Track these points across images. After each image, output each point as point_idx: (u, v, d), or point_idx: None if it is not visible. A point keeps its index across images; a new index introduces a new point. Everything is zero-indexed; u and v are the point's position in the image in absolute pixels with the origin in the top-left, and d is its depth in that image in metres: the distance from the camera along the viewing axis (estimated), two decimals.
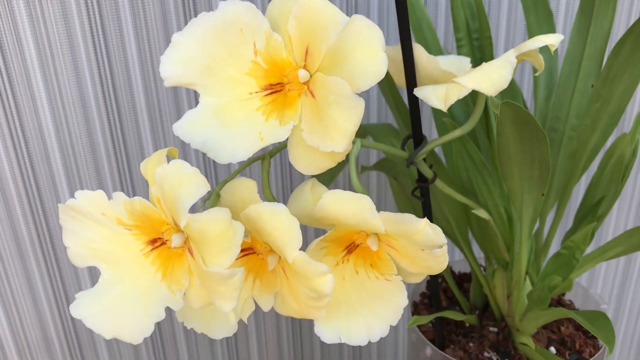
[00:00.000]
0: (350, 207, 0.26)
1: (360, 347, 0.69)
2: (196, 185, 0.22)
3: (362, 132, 0.50)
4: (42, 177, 0.48)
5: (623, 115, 0.58)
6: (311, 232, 0.56)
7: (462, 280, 0.51)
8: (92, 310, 0.24)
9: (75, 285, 0.54)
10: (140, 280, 0.25)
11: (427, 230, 0.26)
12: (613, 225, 0.65)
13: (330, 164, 0.26)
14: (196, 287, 0.24)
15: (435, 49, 0.45)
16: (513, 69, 0.30)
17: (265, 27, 0.26)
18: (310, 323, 0.64)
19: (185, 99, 0.49)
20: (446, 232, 0.46)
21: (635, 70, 0.38)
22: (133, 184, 0.50)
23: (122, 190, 0.51)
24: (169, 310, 0.27)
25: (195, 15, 0.37)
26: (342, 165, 0.32)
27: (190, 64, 0.25)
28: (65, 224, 0.25)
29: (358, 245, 0.30)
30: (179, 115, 0.49)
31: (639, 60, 0.38)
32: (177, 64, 0.25)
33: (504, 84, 0.30)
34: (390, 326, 0.29)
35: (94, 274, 0.54)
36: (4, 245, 0.50)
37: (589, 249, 0.46)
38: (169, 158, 0.25)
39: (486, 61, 0.42)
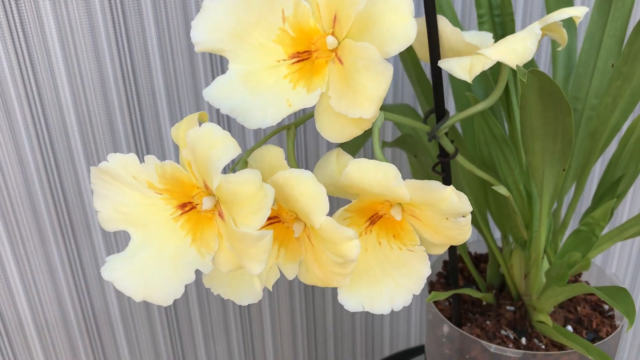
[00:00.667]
0: (376, 175, 0.27)
1: (372, 331, 0.69)
2: (228, 147, 0.23)
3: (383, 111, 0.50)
4: (60, 154, 0.49)
5: None
6: (333, 205, 0.57)
7: (479, 260, 0.51)
8: (123, 272, 0.25)
9: (93, 264, 0.54)
10: (169, 243, 0.25)
11: (453, 198, 0.26)
12: (629, 206, 0.65)
13: (358, 131, 0.26)
14: (225, 250, 0.25)
15: (455, 25, 0.45)
16: (538, 41, 0.30)
17: None
18: (324, 307, 0.65)
19: (202, 77, 0.49)
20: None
21: None
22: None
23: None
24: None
25: None
26: (366, 136, 0.32)
27: (220, 29, 0.25)
28: (97, 188, 0.25)
29: (381, 217, 0.31)
30: (195, 90, 0.49)
31: None
32: (207, 29, 0.25)
33: (528, 56, 0.30)
34: (406, 304, 0.29)
35: (111, 251, 0.55)
36: (24, 224, 0.50)
37: (605, 229, 0.46)
38: (200, 123, 0.25)
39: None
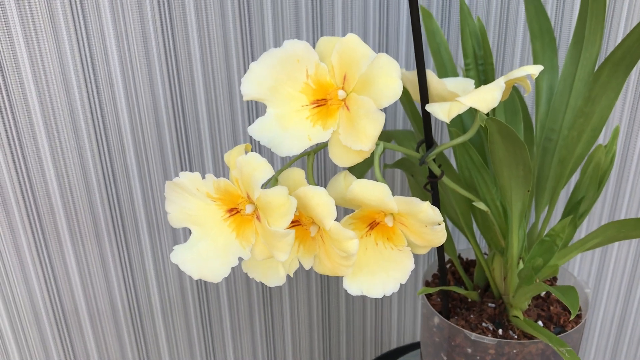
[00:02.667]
0: (373, 191, 0.36)
1: (382, 326, 0.78)
2: (265, 170, 0.32)
3: (389, 136, 0.59)
4: (118, 168, 0.58)
5: (605, 128, 0.68)
6: (340, 213, 0.66)
7: (469, 265, 0.60)
8: (186, 257, 0.34)
9: (140, 261, 0.64)
10: (220, 237, 0.35)
11: (428, 211, 0.35)
12: (597, 222, 0.74)
13: (359, 159, 0.36)
14: (260, 243, 0.34)
15: (450, 68, 0.54)
16: (502, 92, 0.39)
17: (315, 59, 0.35)
18: (338, 303, 0.74)
19: (239, 113, 0.59)
20: (455, 223, 0.56)
21: (612, 94, 0.47)
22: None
23: None
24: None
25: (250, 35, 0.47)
26: (370, 163, 0.41)
27: (261, 84, 0.35)
28: (169, 196, 0.35)
29: (378, 223, 0.40)
30: (233, 122, 0.59)
31: (615, 85, 0.46)
32: (253, 85, 0.34)
33: (495, 103, 0.39)
34: (395, 290, 0.38)
35: (156, 252, 0.64)
36: (84, 226, 0.60)
37: (572, 241, 0.55)
38: (246, 152, 0.35)
39: (488, 82, 0.51)
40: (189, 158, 0.60)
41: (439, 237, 0.38)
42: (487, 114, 0.51)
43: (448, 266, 0.60)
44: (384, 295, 0.38)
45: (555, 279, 0.58)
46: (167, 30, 0.54)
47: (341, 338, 0.77)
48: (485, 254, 0.58)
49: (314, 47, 0.36)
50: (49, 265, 0.61)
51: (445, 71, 0.53)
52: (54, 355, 0.66)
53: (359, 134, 0.34)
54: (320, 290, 0.72)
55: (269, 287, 0.70)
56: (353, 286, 0.39)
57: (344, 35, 0.58)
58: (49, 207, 0.58)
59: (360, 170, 0.54)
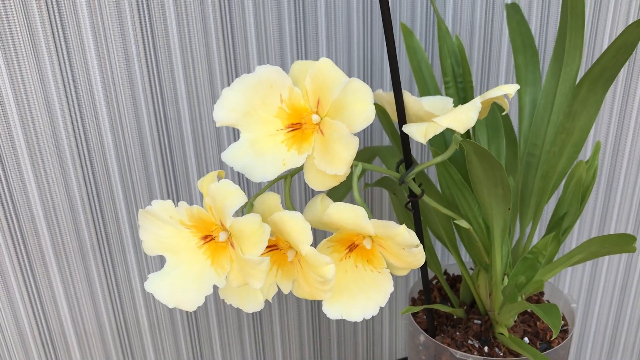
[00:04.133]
0: (349, 215, 0.36)
1: (377, 338, 0.77)
2: (237, 197, 0.32)
3: (374, 152, 0.59)
4: (102, 190, 0.58)
5: (586, 144, 0.68)
6: (320, 235, 0.66)
7: (455, 281, 0.60)
8: (160, 285, 0.34)
9: (126, 281, 0.64)
10: (195, 265, 0.34)
11: (405, 234, 0.35)
12: (578, 238, 0.74)
13: (334, 183, 0.35)
14: (235, 271, 0.34)
15: (432, 86, 0.54)
16: (478, 112, 0.39)
17: (288, 83, 0.35)
18: (329, 325, 0.73)
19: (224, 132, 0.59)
20: (439, 239, 0.55)
21: (592, 109, 0.47)
22: (178, 196, 0.60)
23: (168, 196, 0.61)
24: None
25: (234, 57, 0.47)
26: (351, 184, 0.41)
27: (235, 110, 0.34)
28: (143, 224, 0.34)
29: (357, 245, 0.40)
30: (218, 141, 0.59)
31: (594, 101, 0.46)
32: (225, 111, 0.34)
33: (471, 123, 0.39)
34: (374, 314, 0.38)
35: (142, 271, 0.64)
36: (69, 246, 0.60)
37: (557, 257, 0.54)
38: (219, 178, 0.34)
39: (467, 100, 0.51)
40: (174, 177, 0.60)
41: (418, 259, 0.37)
42: (465, 134, 0.51)
43: (435, 282, 0.59)
44: (364, 319, 0.38)
45: (542, 293, 0.58)
46: (150, 49, 0.54)
47: (332, 352, 0.76)
48: (472, 269, 0.58)
49: (287, 72, 0.36)
50: (34, 287, 0.61)
51: (427, 89, 0.53)
52: None
53: (333, 158, 0.34)
54: (310, 304, 0.72)
55: (269, 301, 0.69)
56: (333, 310, 0.38)
57: (327, 52, 0.58)
58: (32, 229, 0.58)
59: (342, 191, 0.54)
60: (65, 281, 0.61)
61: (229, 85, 0.53)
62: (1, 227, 0.57)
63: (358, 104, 0.33)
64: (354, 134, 0.34)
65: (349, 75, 0.60)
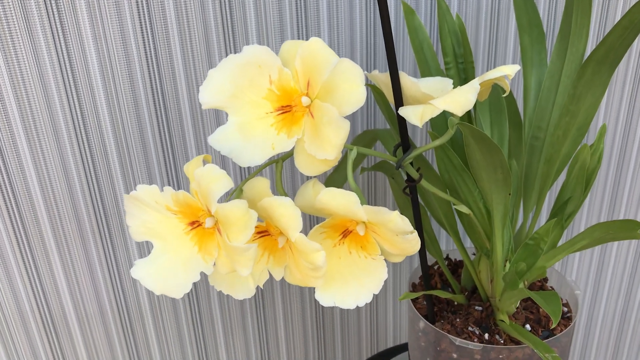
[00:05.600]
0: (341, 200, 0.35)
1: (380, 322, 0.77)
2: (223, 182, 0.31)
3: (374, 136, 0.58)
4: (102, 174, 0.57)
5: (591, 126, 0.66)
6: (312, 223, 0.65)
7: (457, 266, 0.59)
8: (147, 272, 0.33)
9: (127, 265, 0.63)
10: (182, 251, 0.34)
11: (397, 220, 0.34)
12: (587, 224, 0.72)
13: (325, 168, 0.34)
14: (223, 257, 0.33)
15: (434, 66, 0.52)
16: (476, 94, 0.37)
17: (278, 64, 0.34)
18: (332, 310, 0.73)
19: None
20: (441, 224, 0.54)
21: (597, 91, 0.45)
22: (178, 181, 0.60)
23: (169, 183, 0.60)
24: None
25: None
26: (356, 165, 0.40)
27: (221, 92, 0.33)
28: (129, 209, 0.34)
29: (351, 232, 0.39)
30: (218, 124, 0.58)
31: (599, 83, 0.44)
32: (211, 93, 0.33)
33: (469, 105, 0.37)
34: (367, 301, 0.37)
35: (143, 254, 0.64)
36: (69, 232, 0.60)
37: (561, 242, 0.53)
38: (204, 162, 0.33)
39: (469, 81, 0.49)
40: (173, 159, 0.59)
41: (412, 245, 0.36)
42: (466, 116, 0.49)
43: (436, 267, 0.58)
44: (357, 306, 0.37)
45: (546, 280, 0.57)
46: (148, 34, 0.53)
47: (336, 336, 0.75)
48: (474, 254, 0.57)
49: (277, 53, 0.35)
50: (35, 271, 0.61)
51: (428, 69, 0.52)
52: (42, 358, 0.65)
53: (323, 143, 0.33)
54: (314, 289, 0.71)
55: (261, 288, 0.69)
56: (325, 297, 0.38)
57: (329, 33, 0.57)
58: (32, 213, 0.58)
59: (343, 176, 0.53)
60: (66, 264, 0.61)
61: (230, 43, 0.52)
62: (1, 213, 0.57)
63: (348, 85, 0.32)
64: (346, 117, 0.32)
65: (352, 57, 0.59)
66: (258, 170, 0.37)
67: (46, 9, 0.50)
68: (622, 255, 0.77)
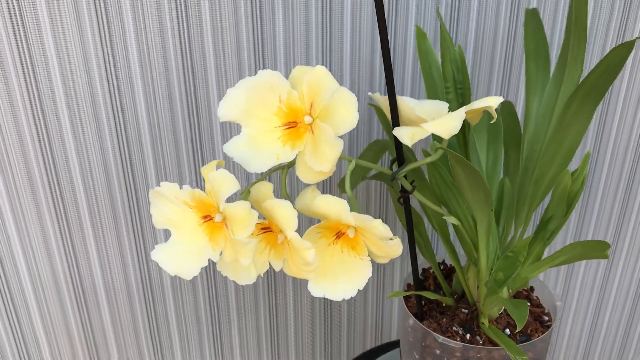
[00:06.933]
0: (333, 207, 0.40)
1: (382, 320, 0.82)
2: (231, 185, 0.37)
3: (384, 146, 0.63)
4: (136, 166, 0.64)
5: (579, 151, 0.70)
6: (307, 223, 0.70)
7: (452, 271, 0.64)
8: (164, 255, 0.39)
9: (152, 242, 0.70)
10: (195, 240, 0.40)
11: (380, 227, 0.39)
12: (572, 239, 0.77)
13: (321, 177, 0.40)
14: (228, 248, 0.39)
15: (440, 88, 0.57)
16: (462, 121, 0.42)
17: (287, 86, 0.40)
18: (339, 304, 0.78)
19: None
20: (436, 232, 0.59)
21: (583, 122, 0.49)
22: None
23: (196, 176, 0.66)
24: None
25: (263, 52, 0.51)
26: (360, 175, 0.45)
27: (236, 108, 0.39)
28: (152, 201, 0.40)
29: (344, 233, 0.44)
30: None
31: (584, 116, 0.48)
32: (229, 108, 0.39)
33: (455, 131, 0.42)
34: (353, 295, 0.42)
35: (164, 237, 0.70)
36: (104, 212, 0.66)
37: (544, 255, 0.58)
38: (218, 166, 0.39)
39: (465, 104, 0.54)
40: (201, 151, 0.65)
41: (394, 250, 0.42)
42: (461, 136, 0.54)
43: (432, 271, 0.63)
44: (343, 299, 0.42)
45: (532, 289, 0.61)
46: (186, 49, 0.59)
47: (342, 329, 0.81)
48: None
49: (287, 77, 0.40)
50: (71, 246, 0.68)
51: (434, 90, 0.56)
52: (72, 325, 0.72)
53: (319, 157, 0.38)
54: None
55: (274, 278, 0.74)
56: (317, 289, 0.43)
57: (351, 52, 0.62)
58: (73, 198, 0.65)
59: (353, 183, 0.58)
60: (99, 241, 0.68)
61: (260, 66, 0.58)
62: (45, 191, 0.64)
63: (343, 110, 0.37)
64: (364, 127, 0.38)
65: (371, 76, 0.64)
66: (264, 175, 0.43)
67: (95, 8, 0.56)
68: (629, 269, 0.81)
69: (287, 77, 0.41)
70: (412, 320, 0.57)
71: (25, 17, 0.55)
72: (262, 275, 0.42)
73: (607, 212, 0.78)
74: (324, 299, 0.78)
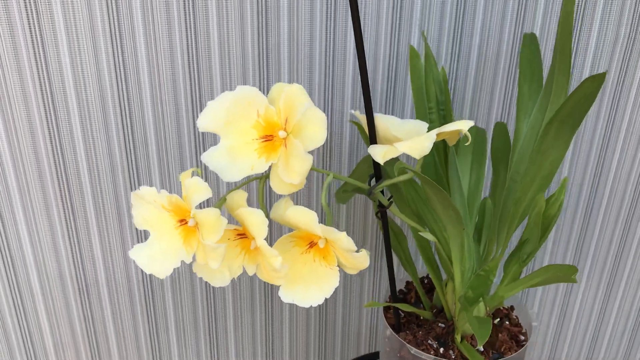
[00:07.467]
0: (302, 217, 0.42)
1: (376, 326, 0.84)
2: (203, 193, 0.39)
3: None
4: (141, 166, 0.67)
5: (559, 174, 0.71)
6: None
7: (433, 286, 0.65)
8: (142, 255, 0.42)
9: None
10: (171, 242, 0.42)
11: (344, 239, 0.42)
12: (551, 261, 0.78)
13: (292, 189, 0.42)
14: (200, 251, 0.41)
15: (428, 107, 0.59)
16: (432, 142, 0.44)
17: (265, 102, 0.42)
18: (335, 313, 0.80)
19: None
20: (417, 246, 0.61)
21: (560, 148, 0.50)
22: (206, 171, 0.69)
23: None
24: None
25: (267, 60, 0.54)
26: (353, 192, 0.47)
27: (216, 120, 0.42)
28: (134, 203, 0.42)
29: (316, 244, 0.46)
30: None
31: (562, 143, 0.50)
32: (208, 120, 0.41)
33: (425, 151, 0.44)
34: (320, 303, 0.45)
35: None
36: (109, 209, 0.70)
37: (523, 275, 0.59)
38: (194, 173, 0.42)
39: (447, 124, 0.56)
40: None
41: (360, 262, 0.44)
42: (443, 155, 0.56)
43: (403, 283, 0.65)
44: (310, 306, 0.45)
45: (512, 309, 0.63)
46: (192, 48, 0.62)
47: (337, 335, 0.83)
48: None
49: (266, 93, 0.43)
50: (77, 244, 0.71)
51: (423, 109, 0.58)
52: (75, 315, 0.76)
53: (289, 170, 0.41)
54: None
55: (271, 289, 0.77)
56: (287, 295, 0.45)
57: (354, 67, 0.64)
58: (79, 190, 0.68)
59: (345, 197, 0.61)
60: (102, 237, 0.71)
61: (264, 78, 0.61)
62: (53, 186, 0.67)
63: (313, 127, 0.39)
64: (309, 152, 0.40)
65: (373, 88, 0.66)
66: (241, 185, 0.45)
67: (108, 11, 0.59)
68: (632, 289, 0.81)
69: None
70: (389, 331, 0.58)
71: (41, 12, 0.59)
72: (236, 279, 0.44)
73: (607, 238, 0.78)
74: (319, 306, 0.79)
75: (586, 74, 0.69)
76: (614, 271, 0.80)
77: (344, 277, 0.78)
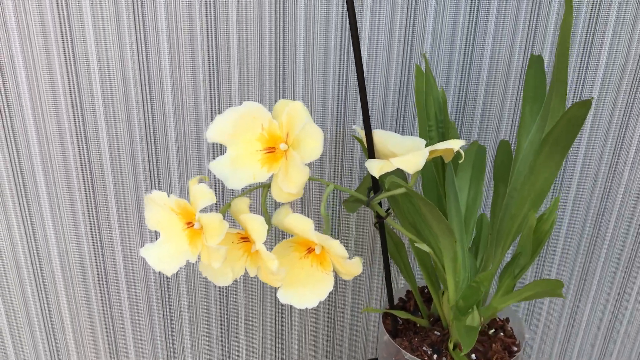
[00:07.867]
0: (299, 224, 0.46)
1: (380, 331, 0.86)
2: (208, 198, 0.43)
3: None
4: (161, 165, 0.71)
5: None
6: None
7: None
8: (152, 253, 0.46)
9: None
10: (178, 243, 0.46)
11: (336, 246, 0.45)
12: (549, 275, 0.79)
13: (291, 198, 0.45)
14: (204, 252, 0.45)
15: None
16: (425, 159, 0.47)
17: (268, 116, 0.45)
18: (343, 307, 0.83)
19: None
20: (415, 256, 0.64)
21: (552, 167, 0.53)
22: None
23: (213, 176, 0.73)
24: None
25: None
26: (359, 204, 0.50)
27: (223, 132, 0.45)
28: (146, 205, 0.46)
29: (313, 249, 0.49)
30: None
31: (554, 163, 0.52)
32: (216, 132, 0.45)
33: (419, 167, 0.47)
34: (315, 305, 0.48)
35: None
36: (128, 207, 0.74)
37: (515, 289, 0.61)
38: (201, 181, 0.46)
39: None
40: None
41: (354, 268, 0.47)
42: (441, 170, 0.58)
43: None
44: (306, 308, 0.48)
45: (508, 320, 0.65)
46: (213, 50, 0.66)
47: (344, 337, 0.86)
48: None
49: (270, 109, 0.46)
50: (100, 245, 0.76)
51: (425, 127, 0.61)
52: (94, 303, 0.80)
53: (288, 180, 0.44)
54: (328, 300, 0.82)
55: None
56: (285, 297, 0.49)
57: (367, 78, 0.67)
58: (102, 184, 0.72)
59: (352, 208, 0.64)
60: (124, 240, 0.75)
61: (280, 83, 0.64)
62: (79, 185, 0.72)
63: (311, 142, 0.43)
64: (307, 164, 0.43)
65: (384, 105, 0.69)
66: (245, 193, 0.49)
67: (134, 14, 0.63)
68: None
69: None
70: (386, 336, 0.61)
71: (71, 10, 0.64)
72: (238, 279, 0.47)
73: (615, 255, 0.80)
74: (328, 307, 0.83)
75: (595, 94, 0.71)
76: (623, 284, 0.82)
77: (353, 283, 0.81)
